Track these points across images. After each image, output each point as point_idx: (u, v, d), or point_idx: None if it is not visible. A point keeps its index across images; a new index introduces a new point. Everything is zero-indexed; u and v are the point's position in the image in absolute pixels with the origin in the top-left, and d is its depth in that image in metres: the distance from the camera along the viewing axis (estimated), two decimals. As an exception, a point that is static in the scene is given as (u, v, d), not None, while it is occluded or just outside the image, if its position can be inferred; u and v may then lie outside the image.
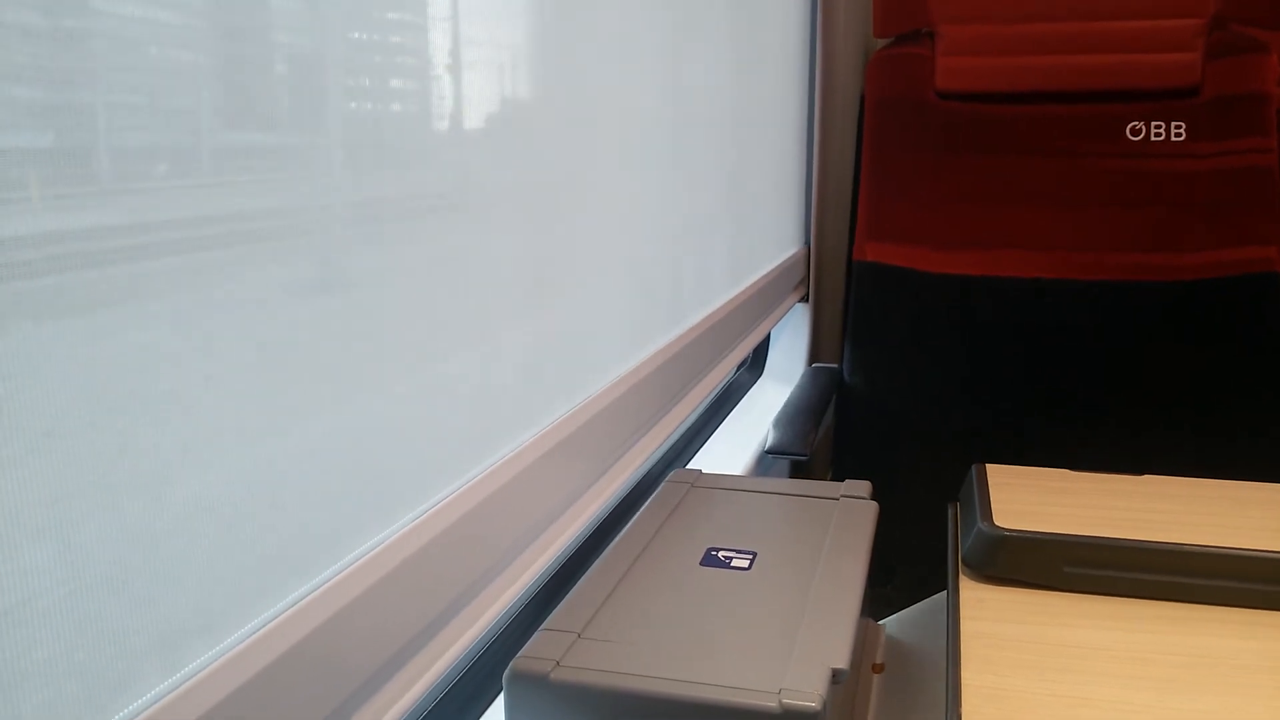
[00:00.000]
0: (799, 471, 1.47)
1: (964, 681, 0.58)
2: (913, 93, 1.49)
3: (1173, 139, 1.41)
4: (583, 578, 0.67)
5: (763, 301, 1.33)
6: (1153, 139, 1.42)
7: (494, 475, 0.58)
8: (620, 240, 0.78)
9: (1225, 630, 0.63)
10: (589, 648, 0.58)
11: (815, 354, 1.68)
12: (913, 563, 1.42)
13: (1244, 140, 1.39)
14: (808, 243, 1.66)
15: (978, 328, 1.46)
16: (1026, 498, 0.77)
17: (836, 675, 0.56)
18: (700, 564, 0.70)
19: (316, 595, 0.43)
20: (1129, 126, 1.42)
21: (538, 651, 0.58)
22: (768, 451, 1.21)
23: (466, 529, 0.54)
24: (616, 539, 0.74)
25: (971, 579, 0.71)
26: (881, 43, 1.53)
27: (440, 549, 0.52)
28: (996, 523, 0.72)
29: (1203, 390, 1.40)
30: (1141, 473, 0.83)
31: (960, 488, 0.84)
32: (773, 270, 1.39)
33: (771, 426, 1.26)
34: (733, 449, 1.27)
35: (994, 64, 1.45)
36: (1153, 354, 1.42)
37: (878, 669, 0.78)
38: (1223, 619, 0.65)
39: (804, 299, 1.66)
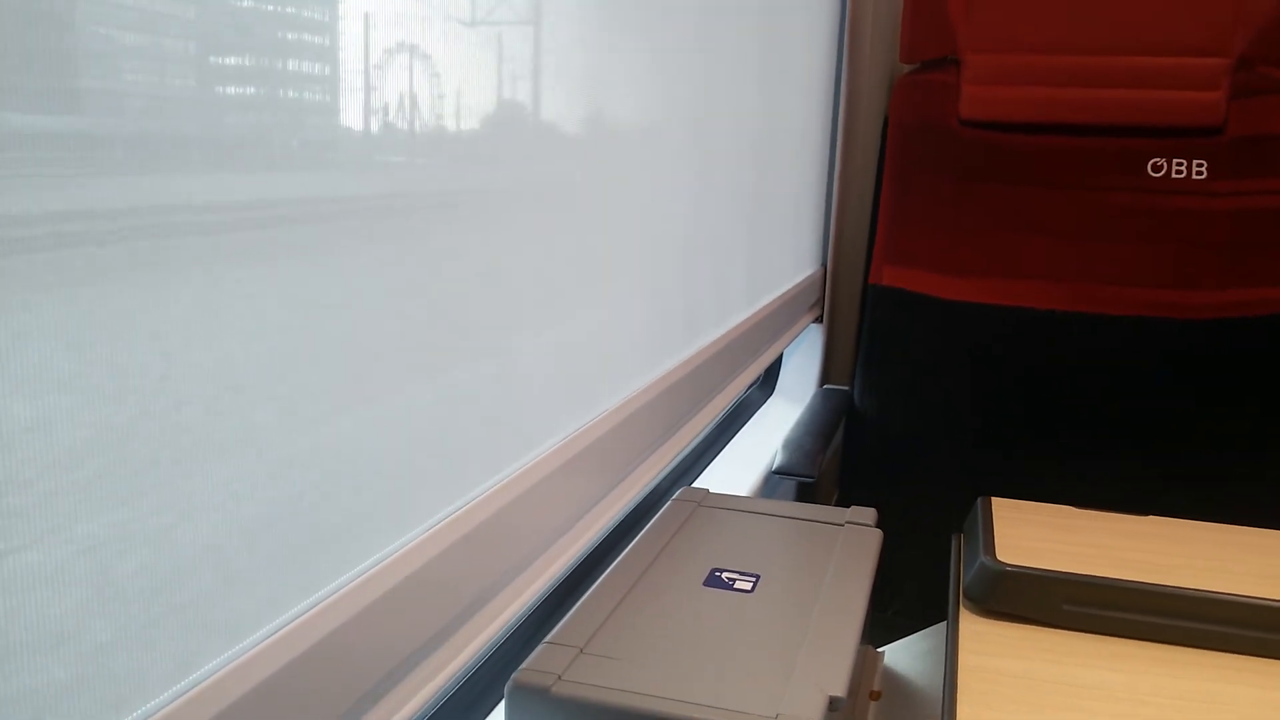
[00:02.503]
0: (806, 492, 1.48)
1: (959, 715, 0.59)
2: (936, 119, 1.49)
3: (1194, 177, 1.41)
4: (587, 592, 0.68)
5: (777, 321, 1.34)
6: (1174, 176, 1.42)
7: (507, 489, 0.59)
8: (640, 258, 0.79)
9: (1223, 676, 0.64)
10: (591, 663, 0.59)
11: (827, 375, 1.68)
12: (914, 589, 1.42)
13: (1265, 181, 1.39)
14: (824, 263, 1.67)
15: (991, 357, 1.46)
16: (1030, 533, 0.78)
17: (834, 703, 0.57)
18: (704, 584, 0.70)
19: (327, 604, 0.44)
20: (1150, 163, 1.42)
21: (540, 664, 0.59)
22: (775, 472, 1.22)
23: (479, 540, 0.55)
24: (622, 555, 0.74)
25: (972, 612, 0.71)
26: (907, 68, 1.54)
27: (450, 560, 0.53)
28: (999, 557, 0.72)
29: (1216, 431, 1.40)
30: (1149, 512, 0.83)
31: (965, 518, 0.84)
32: (789, 291, 1.40)
33: (780, 447, 1.27)
34: (741, 467, 1.28)
35: (1018, 94, 1.46)
36: (1167, 392, 1.42)
37: (875, 696, 0.78)
38: (1221, 664, 0.65)
39: (818, 320, 1.66)
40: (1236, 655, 0.66)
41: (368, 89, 0.44)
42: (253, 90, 0.37)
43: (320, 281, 0.42)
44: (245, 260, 0.37)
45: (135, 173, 0.32)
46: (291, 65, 0.39)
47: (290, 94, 0.39)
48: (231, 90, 0.36)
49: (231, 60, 0.36)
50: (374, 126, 0.45)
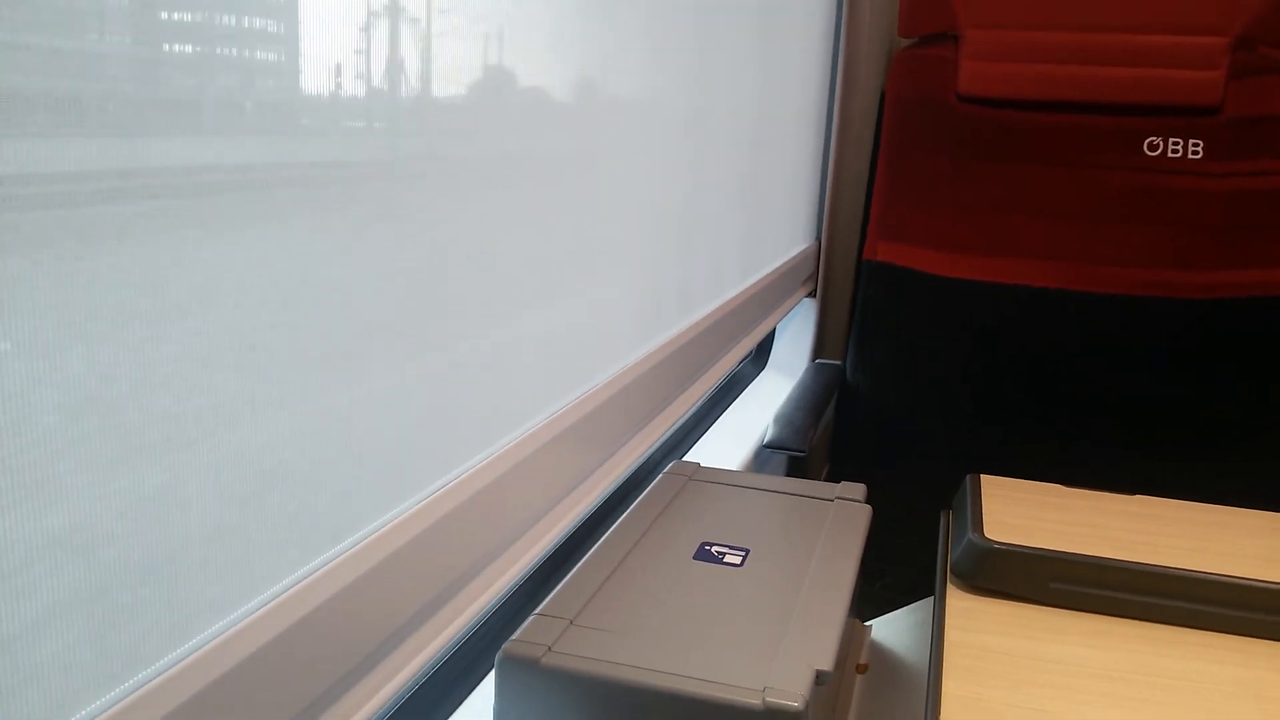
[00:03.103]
0: (797, 467, 1.48)
1: (944, 690, 0.60)
2: (934, 94, 1.48)
3: (1190, 156, 1.41)
4: (578, 565, 0.68)
5: (771, 296, 1.34)
6: (1170, 155, 1.42)
7: (499, 461, 0.59)
8: (633, 231, 0.79)
9: (1208, 655, 0.65)
10: (581, 635, 0.60)
11: (820, 349, 1.68)
12: (903, 564, 1.43)
13: (1262, 162, 1.39)
14: (819, 238, 1.67)
15: (984, 334, 1.47)
16: (1019, 511, 0.78)
17: (820, 677, 0.57)
18: (693, 558, 0.71)
19: (317, 576, 0.44)
20: (1146, 141, 1.42)
21: (530, 636, 0.59)
22: (766, 446, 1.23)
23: (470, 512, 0.55)
24: (613, 528, 0.75)
25: (959, 588, 0.72)
26: (905, 42, 1.53)
27: (442, 531, 0.53)
28: (987, 535, 0.73)
29: (1210, 411, 1.41)
30: (1140, 492, 0.84)
31: (955, 494, 0.85)
32: (783, 265, 1.40)
33: (772, 421, 1.27)
34: (732, 440, 1.28)
35: (1016, 70, 1.45)
36: (1161, 371, 1.42)
37: (862, 669, 0.79)
38: (1206, 644, 0.66)
39: (811, 294, 1.66)
40: (1222, 634, 0.67)
41: (359, 52, 0.44)
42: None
43: (317, 250, 0.42)
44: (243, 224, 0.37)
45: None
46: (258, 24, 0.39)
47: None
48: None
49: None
50: (360, 91, 0.44)
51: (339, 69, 0.42)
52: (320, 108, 0.41)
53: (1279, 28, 1.38)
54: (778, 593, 0.66)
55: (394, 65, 0.46)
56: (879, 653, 0.82)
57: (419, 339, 0.50)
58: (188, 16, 0.34)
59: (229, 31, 0.36)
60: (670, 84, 0.83)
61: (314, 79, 0.41)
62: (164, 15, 0.33)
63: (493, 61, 0.55)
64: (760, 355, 1.68)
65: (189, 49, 0.34)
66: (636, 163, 0.78)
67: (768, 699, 0.54)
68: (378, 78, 0.45)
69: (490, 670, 0.71)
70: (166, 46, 0.33)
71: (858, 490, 0.84)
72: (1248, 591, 0.67)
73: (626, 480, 1.00)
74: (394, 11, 0.46)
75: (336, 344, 0.44)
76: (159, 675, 0.36)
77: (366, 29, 0.44)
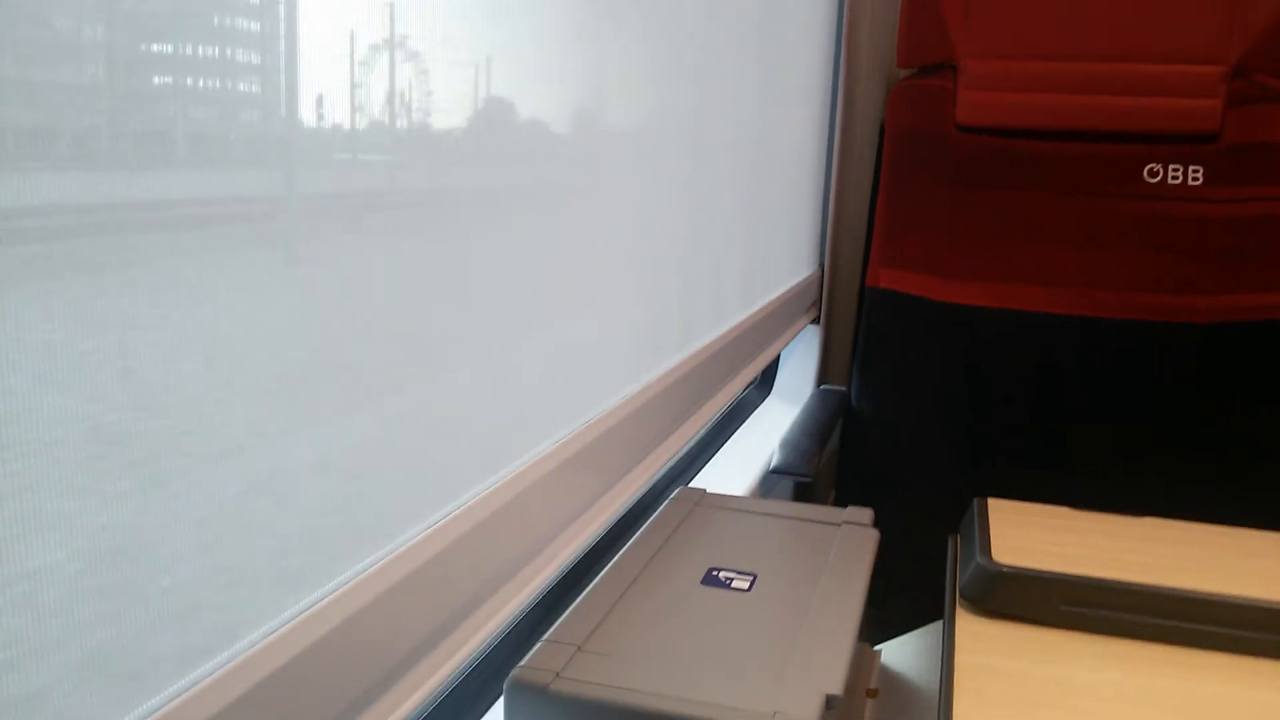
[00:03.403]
0: (802, 491, 1.48)
1: (956, 714, 0.59)
2: (932, 124, 1.50)
3: (1190, 183, 1.42)
4: (586, 591, 0.68)
5: (775, 322, 1.34)
6: (1170, 182, 1.42)
7: (506, 487, 0.59)
8: (636, 260, 0.80)
9: (1218, 676, 0.64)
10: (589, 660, 0.60)
11: (824, 375, 1.69)
12: (911, 588, 1.42)
13: (1261, 188, 1.40)
14: (822, 265, 1.67)
15: (987, 360, 1.47)
16: (1026, 534, 0.78)
17: (830, 701, 0.57)
18: (701, 583, 0.71)
19: (327, 602, 0.44)
20: (1146, 168, 1.43)
21: (539, 662, 0.59)
22: (773, 471, 1.23)
23: (478, 539, 0.56)
24: (620, 553, 0.75)
25: (968, 612, 0.72)
26: (904, 73, 1.55)
27: (450, 558, 0.53)
28: (995, 558, 0.73)
29: (1211, 435, 1.41)
30: (1144, 514, 0.84)
31: (961, 518, 0.85)
32: (787, 292, 1.40)
33: (777, 447, 1.27)
34: (738, 466, 1.28)
35: (1015, 100, 1.46)
36: (1163, 396, 1.42)
37: (872, 694, 0.79)
38: (1217, 665, 0.66)
39: (815, 320, 1.67)
40: (1232, 655, 0.67)
41: (353, 87, 0.44)
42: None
43: (330, 282, 0.42)
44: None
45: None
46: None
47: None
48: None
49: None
50: (361, 124, 0.45)
51: (322, 100, 0.43)
52: (322, 140, 0.42)
53: (1274, 57, 1.40)
54: (786, 617, 0.66)
55: (393, 97, 0.47)
56: (889, 677, 0.82)
57: (425, 366, 0.51)
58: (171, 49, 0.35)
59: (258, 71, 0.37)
60: (673, 115, 0.84)
61: (308, 111, 0.42)
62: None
63: (491, 93, 0.56)
64: (765, 382, 1.68)
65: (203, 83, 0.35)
66: (640, 193, 0.78)
67: (778, 723, 0.54)
68: (378, 109, 0.46)
69: (499, 697, 0.71)
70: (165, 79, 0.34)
71: (865, 515, 0.84)
72: (1258, 612, 0.67)
73: (633, 506, 1.00)
74: (393, 44, 0.47)
75: (342, 369, 0.44)
76: (164, 705, 0.36)
77: (368, 63, 0.45)
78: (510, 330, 0.59)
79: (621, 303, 0.77)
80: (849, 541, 0.79)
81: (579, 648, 0.61)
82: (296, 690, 0.42)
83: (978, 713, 0.59)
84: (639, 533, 0.79)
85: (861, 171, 1.64)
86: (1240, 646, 0.67)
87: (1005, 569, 0.71)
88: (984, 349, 1.47)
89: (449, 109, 0.51)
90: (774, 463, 1.24)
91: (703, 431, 1.30)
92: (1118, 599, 0.69)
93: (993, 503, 0.84)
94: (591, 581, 0.70)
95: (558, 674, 0.58)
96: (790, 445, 1.27)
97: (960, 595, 0.73)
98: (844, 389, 1.61)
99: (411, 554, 0.50)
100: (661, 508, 0.85)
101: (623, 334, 0.78)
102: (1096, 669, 0.65)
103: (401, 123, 0.47)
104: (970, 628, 0.70)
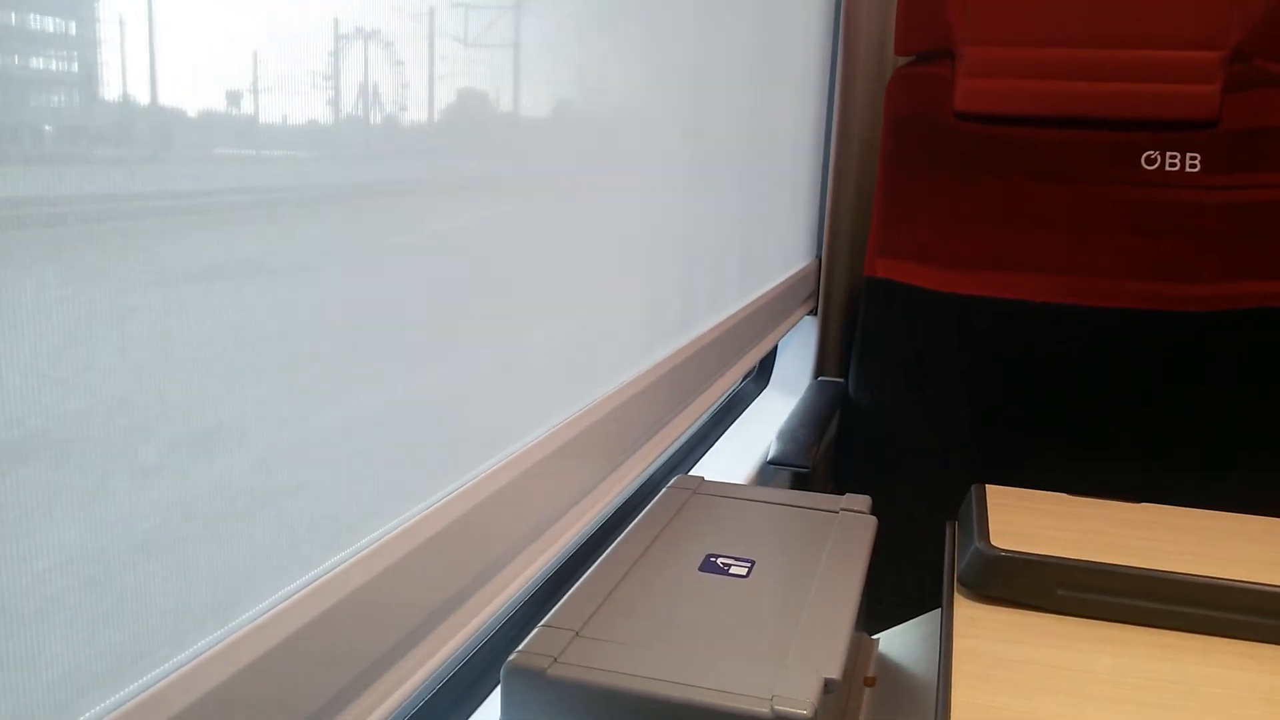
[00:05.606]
0: (800, 482, 1.48)
1: (954, 698, 0.59)
2: (931, 112, 1.50)
3: (1187, 170, 1.42)
4: (584, 577, 0.68)
5: (772, 313, 1.34)
6: (1167, 169, 1.42)
7: (502, 471, 0.59)
8: (633, 248, 0.80)
9: (1216, 660, 0.64)
10: (587, 646, 0.59)
11: (821, 367, 1.69)
12: (908, 578, 1.42)
13: (1260, 175, 1.40)
14: (819, 256, 1.67)
15: (984, 348, 1.47)
16: (1024, 519, 0.78)
17: (828, 685, 0.57)
18: (699, 569, 0.71)
19: (322, 583, 0.44)
20: (1144, 155, 1.43)
21: (536, 647, 0.59)
22: (770, 462, 1.22)
23: (474, 523, 0.55)
24: (619, 540, 0.75)
25: (966, 597, 0.72)
26: (902, 60, 1.55)
27: (447, 542, 0.53)
28: (993, 543, 0.73)
29: (1209, 421, 1.41)
30: (1141, 500, 0.84)
31: (959, 506, 0.84)
32: (783, 283, 1.40)
33: (775, 437, 1.27)
34: (736, 457, 1.28)
35: (1013, 87, 1.46)
36: (1160, 383, 1.42)
37: (870, 682, 0.79)
38: (1214, 649, 0.66)
39: (813, 312, 1.67)
40: (1229, 639, 0.67)
41: (337, 79, 0.44)
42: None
43: (329, 271, 0.42)
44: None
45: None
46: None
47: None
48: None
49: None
50: (375, 118, 0.45)
51: (316, 94, 0.43)
52: (316, 131, 0.42)
53: (1273, 41, 1.39)
54: (784, 603, 0.66)
55: (387, 89, 0.47)
56: (886, 666, 0.81)
57: (423, 350, 0.51)
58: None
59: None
60: (670, 103, 0.84)
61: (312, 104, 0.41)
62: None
63: (488, 85, 0.55)
64: (762, 374, 1.68)
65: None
66: (636, 182, 0.78)
67: (776, 707, 0.54)
68: (371, 99, 0.46)
69: (497, 683, 0.71)
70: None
71: (863, 502, 0.84)
72: (1255, 596, 0.67)
73: (632, 495, 1.00)
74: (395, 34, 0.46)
75: (338, 352, 0.44)
76: (159, 681, 0.36)
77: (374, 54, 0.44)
78: (505, 317, 0.59)
79: (618, 291, 0.77)
80: (847, 528, 0.79)
81: (576, 633, 0.61)
82: (290, 673, 0.42)
83: (976, 698, 0.59)
84: (637, 520, 0.79)
85: (859, 161, 1.63)
86: (1237, 630, 0.67)
87: (1003, 553, 0.71)
88: (982, 337, 1.47)
89: (446, 104, 0.51)
90: (772, 453, 1.23)
91: (700, 423, 1.30)
92: (1115, 583, 0.69)
93: (991, 489, 0.84)
94: (590, 568, 0.70)
95: (555, 659, 0.58)
96: (788, 436, 1.27)
97: (958, 580, 0.73)
98: (841, 381, 1.61)
99: (406, 537, 0.50)
100: (660, 495, 0.85)
101: (620, 322, 0.78)
102: (1094, 653, 0.65)
103: (409, 116, 0.47)
104: (968, 613, 0.69)
